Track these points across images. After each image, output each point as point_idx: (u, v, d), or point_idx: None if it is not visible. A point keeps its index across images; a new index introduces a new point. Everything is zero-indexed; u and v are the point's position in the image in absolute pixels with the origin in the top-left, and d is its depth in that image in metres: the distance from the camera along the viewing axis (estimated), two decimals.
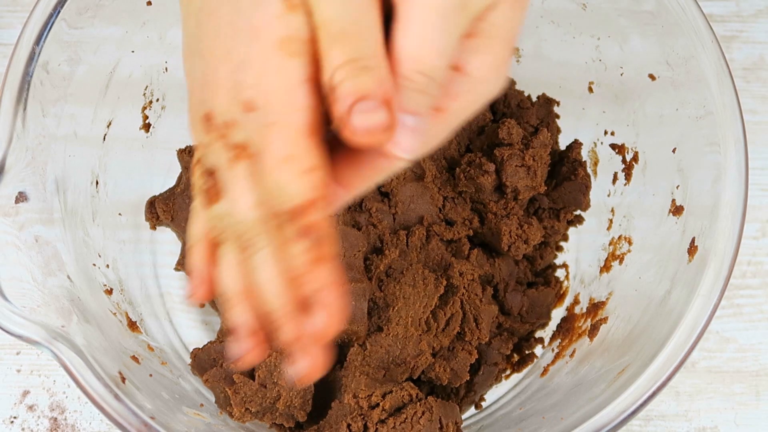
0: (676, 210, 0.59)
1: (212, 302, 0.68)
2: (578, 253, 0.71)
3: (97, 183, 0.62)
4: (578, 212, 0.69)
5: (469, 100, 0.40)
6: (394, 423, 0.56)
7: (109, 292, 0.61)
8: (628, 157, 0.65)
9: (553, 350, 0.67)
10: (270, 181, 0.37)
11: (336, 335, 0.38)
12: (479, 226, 0.65)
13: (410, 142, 0.38)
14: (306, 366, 0.38)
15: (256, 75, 0.37)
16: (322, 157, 0.37)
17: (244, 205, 0.38)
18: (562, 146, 0.69)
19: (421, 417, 0.56)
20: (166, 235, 0.68)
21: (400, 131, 0.37)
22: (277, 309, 0.38)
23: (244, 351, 0.40)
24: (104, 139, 0.63)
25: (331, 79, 0.36)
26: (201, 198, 0.40)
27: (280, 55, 0.36)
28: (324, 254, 0.37)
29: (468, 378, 0.62)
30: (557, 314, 0.69)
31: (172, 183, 0.66)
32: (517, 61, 0.69)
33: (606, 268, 0.66)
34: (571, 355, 0.64)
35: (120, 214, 0.66)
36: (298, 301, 0.38)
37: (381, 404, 0.57)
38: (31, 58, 0.53)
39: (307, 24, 0.37)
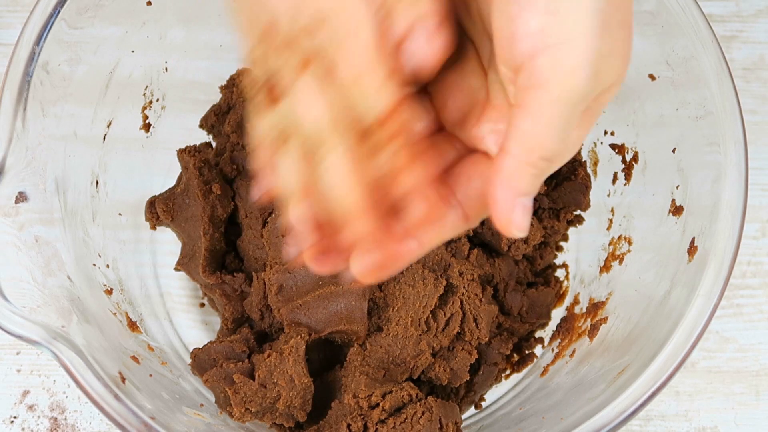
0: (676, 210, 0.59)
1: (212, 302, 0.68)
2: (578, 253, 0.71)
3: (97, 183, 0.62)
4: (578, 212, 0.69)
5: (558, 161, 0.41)
6: (394, 423, 0.56)
7: (109, 292, 0.61)
8: (628, 157, 0.65)
9: (552, 350, 0.67)
10: (352, 90, 0.37)
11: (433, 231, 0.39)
12: (479, 226, 0.65)
13: (524, 220, 0.39)
14: (376, 261, 0.40)
15: None
16: (396, 65, 0.38)
17: (315, 108, 0.38)
18: None
19: (420, 417, 0.56)
20: (166, 235, 0.68)
21: (518, 212, 0.39)
22: (349, 209, 0.39)
23: (305, 246, 0.41)
24: (104, 139, 0.63)
25: None
26: (261, 99, 0.40)
27: None
28: (418, 151, 0.38)
29: (468, 378, 0.62)
30: (557, 314, 0.69)
31: (172, 183, 0.66)
32: None
33: (606, 268, 0.66)
34: (571, 355, 0.64)
35: (120, 214, 0.66)
36: (384, 203, 0.39)
37: (381, 404, 0.57)
38: (31, 58, 0.53)
39: None
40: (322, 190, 0.39)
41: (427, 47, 0.39)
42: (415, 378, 0.62)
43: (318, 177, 0.39)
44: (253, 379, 0.58)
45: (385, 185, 0.38)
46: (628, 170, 0.65)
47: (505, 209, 0.39)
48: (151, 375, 0.58)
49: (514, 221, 0.39)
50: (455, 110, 0.42)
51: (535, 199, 0.68)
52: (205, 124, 0.71)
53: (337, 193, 0.39)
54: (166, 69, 0.66)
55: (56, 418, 0.68)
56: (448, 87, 0.42)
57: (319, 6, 0.37)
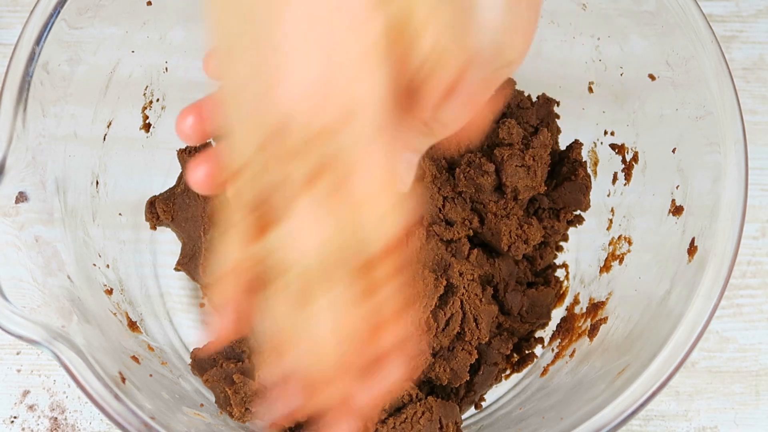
0: (676, 210, 0.59)
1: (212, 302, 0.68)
2: (578, 253, 0.71)
3: (97, 183, 0.62)
4: (578, 212, 0.69)
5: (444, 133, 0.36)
6: (394, 423, 0.56)
7: (109, 292, 0.61)
8: (628, 157, 0.65)
9: (552, 350, 0.67)
10: (364, 210, 0.30)
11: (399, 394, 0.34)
12: (479, 226, 0.65)
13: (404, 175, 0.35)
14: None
15: (350, 80, 0.29)
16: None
17: (320, 235, 0.30)
18: (562, 146, 0.69)
19: (420, 417, 0.56)
20: (166, 235, 0.68)
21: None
22: (334, 365, 0.32)
23: (285, 410, 0.34)
24: (104, 139, 0.63)
25: None
26: (244, 225, 0.32)
27: (376, 57, 0.30)
28: (410, 299, 0.32)
29: (468, 378, 0.62)
30: (557, 314, 0.69)
31: (172, 183, 0.66)
32: None
33: (606, 268, 0.66)
34: (571, 355, 0.64)
35: (120, 214, 0.66)
36: (367, 360, 0.32)
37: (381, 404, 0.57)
38: (31, 58, 0.53)
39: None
40: (304, 340, 0.32)
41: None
42: (415, 378, 0.62)
43: (303, 325, 0.32)
44: (253, 379, 0.58)
45: (369, 337, 0.31)
46: (628, 170, 0.65)
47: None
48: (151, 375, 0.58)
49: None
50: None
51: (535, 199, 0.67)
52: None
53: (322, 347, 0.32)
54: (167, 69, 0.66)
55: (56, 418, 0.68)
56: None
57: (346, 100, 0.29)
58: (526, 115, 0.68)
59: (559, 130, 0.69)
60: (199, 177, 0.36)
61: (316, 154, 0.30)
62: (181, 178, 0.65)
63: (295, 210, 0.30)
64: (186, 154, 0.64)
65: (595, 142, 0.68)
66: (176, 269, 0.67)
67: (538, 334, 0.69)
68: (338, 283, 0.30)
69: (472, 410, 0.67)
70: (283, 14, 0.30)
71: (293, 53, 0.30)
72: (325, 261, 0.30)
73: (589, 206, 0.68)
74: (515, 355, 0.69)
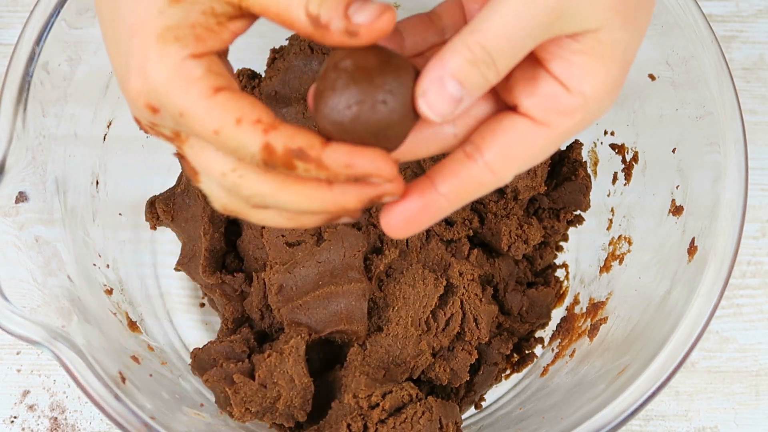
0: (676, 210, 0.59)
1: (212, 302, 0.68)
2: (578, 253, 0.71)
3: (97, 183, 0.62)
4: (578, 212, 0.69)
5: (579, 118, 0.39)
6: (394, 423, 0.56)
7: (109, 292, 0.61)
8: (628, 157, 0.65)
9: (552, 350, 0.67)
10: (225, 148, 0.38)
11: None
12: (479, 226, 0.65)
13: (439, 101, 0.37)
14: (405, 214, 0.39)
15: (142, 76, 0.38)
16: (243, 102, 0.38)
17: (215, 174, 0.39)
18: (563, 146, 0.69)
19: (421, 417, 0.56)
20: (166, 235, 0.68)
21: (435, 89, 0.37)
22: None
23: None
24: (104, 139, 0.63)
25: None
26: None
27: (158, 47, 0.38)
28: (315, 151, 0.37)
29: (468, 378, 0.62)
30: (557, 314, 0.69)
31: (172, 183, 0.66)
32: None
33: (606, 268, 0.66)
34: (571, 355, 0.64)
35: (120, 214, 0.66)
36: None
37: (381, 404, 0.57)
38: (32, 58, 0.53)
39: (193, 8, 0.38)
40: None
41: None
42: (415, 378, 0.62)
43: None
44: (253, 379, 0.58)
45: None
46: (628, 170, 0.65)
47: (425, 80, 0.37)
48: (151, 375, 0.58)
49: (428, 96, 0.37)
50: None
51: (535, 199, 0.67)
52: None
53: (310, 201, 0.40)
54: None
55: (56, 418, 0.68)
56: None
57: (151, 97, 0.38)
58: None
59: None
60: None
61: (164, 131, 0.40)
62: (181, 178, 0.65)
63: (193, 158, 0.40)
64: None
65: (595, 142, 0.68)
66: (176, 269, 0.67)
67: (538, 334, 0.69)
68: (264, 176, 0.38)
69: (472, 410, 0.67)
70: (102, 28, 0.41)
71: (113, 64, 0.41)
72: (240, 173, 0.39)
73: (589, 206, 0.68)
74: (515, 355, 0.69)
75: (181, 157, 0.41)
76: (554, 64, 0.39)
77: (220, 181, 0.39)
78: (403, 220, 0.40)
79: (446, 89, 0.37)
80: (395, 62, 0.38)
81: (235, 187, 0.39)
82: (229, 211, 0.41)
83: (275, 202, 0.39)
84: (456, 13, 0.44)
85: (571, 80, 0.39)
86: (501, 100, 0.41)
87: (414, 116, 0.38)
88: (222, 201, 0.41)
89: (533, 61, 0.40)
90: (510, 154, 0.39)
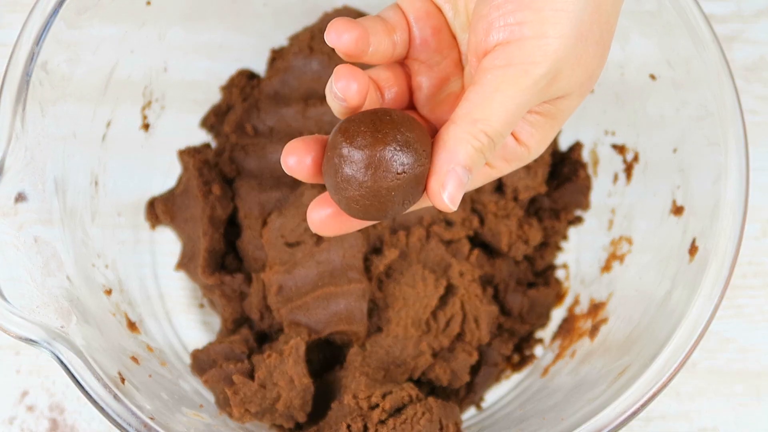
0: (677, 210, 0.59)
1: (212, 303, 0.68)
2: (578, 253, 0.71)
3: (96, 183, 0.62)
4: (578, 212, 0.69)
5: (516, 164, 0.45)
6: (394, 423, 0.56)
7: (109, 292, 0.61)
8: (629, 158, 0.65)
9: (553, 351, 0.67)
10: None
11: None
12: (479, 226, 0.65)
13: (456, 192, 0.40)
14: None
15: None
16: None
17: None
18: (563, 146, 0.69)
19: (421, 417, 0.56)
20: (166, 235, 0.68)
21: (451, 180, 0.40)
22: None
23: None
24: (104, 139, 0.63)
25: None
26: None
27: None
28: None
29: (468, 379, 0.62)
30: (557, 314, 0.69)
31: (172, 183, 0.66)
32: None
33: (606, 268, 0.66)
34: (572, 356, 0.64)
35: (119, 214, 0.66)
36: None
37: (381, 405, 0.57)
38: (31, 58, 0.53)
39: None
40: None
41: None
42: (415, 379, 0.62)
43: None
44: (253, 380, 0.57)
45: None
46: (628, 170, 0.65)
47: (439, 174, 0.40)
48: (150, 375, 0.58)
49: (447, 189, 0.40)
50: (429, 92, 0.45)
51: (536, 199, 0.67)
52: (204, 124, 0.70)
53: None
54: (166, 69, 0.66)
55: (56, 419, 0.68)
56: (425, 70, 0.45)
57: None
58: None
59: (559, 131, 0.69)
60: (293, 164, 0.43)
61: None
62: (181, 178, 0.65)
63: None
64: (186, 155, 0.64)
65: (595, 142, 0.68)
66: (176, 269, 0.66)
67: (538, 334, 0.69)
68: None
69: (472, 411, 0.67)
70: None
71: None
72: None
73: (590, 207, 0.68)
74: (516, 355, 0.69)
75: None
76: None
77: None
78: None
79: (460, 179, 0.40)
80: (404, 134, 0.41)
81: None
82: None
83: None
84: (405, 29, 0.46)
85: (521, 134, 0.44)
86: None
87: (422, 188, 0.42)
88: None
89: None
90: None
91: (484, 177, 0.45)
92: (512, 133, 0.44)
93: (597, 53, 0.42)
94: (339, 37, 0.42)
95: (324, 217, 0.43)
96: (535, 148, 0.44)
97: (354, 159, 0.40)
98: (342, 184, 0.40)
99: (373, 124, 0.40)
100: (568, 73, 0.41)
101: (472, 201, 0.65)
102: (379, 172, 0.40)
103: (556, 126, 0.44)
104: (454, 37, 0.45)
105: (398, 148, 0.40)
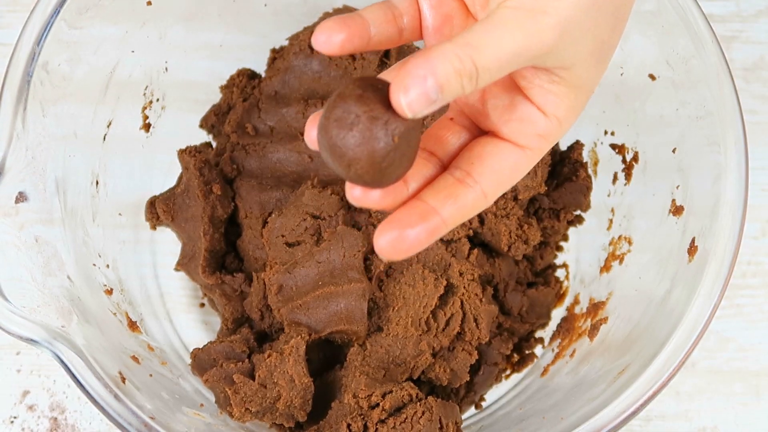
0: (677, 210, 0.59)
1: (212, 302, 0.68)
2: (578, 253, 0.71)
3: (97, 183, 0.62)
4: (578, 212, 0.69)
5: (552, 139, 0.43)
6: (394, 423, 0.56)
7: (109, 292, 0.61)
8: (628, 157, 0.65)
9: (553, 350, 0.67)
10: None
11: None
12: (479, 226, 0.65)
13: (417, 100, 0.37)
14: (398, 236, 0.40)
15: None
16: None
17: None
18: (563, 146, 0.69)
19: (421, 417, 0.56)
20: (166, 235, 0.68)
21: (416, 85, 0.37)
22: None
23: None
24: (104, 139, 0.63)
25: None
26: None
27: None
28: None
29: (468, 378, 0.62)
30: (557, 314, 0.69)
31: (172, 183, 0.66)
32: None
33: (606, 268, 0.66)
34: (571, 355, 0.64)
35: (120, 214, 0.66)
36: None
37: (381, 404, 0.57)
38: (31, 58, 0.53)
39: None
40: None
41: None
42: (415, 378, 0.62)
43: None
44: (253, 379, 0.58)
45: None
46: (628, 170, 0.65)
47: (406, 75, 0.37)
48: (151, 375, 0.58)
49: (409, 94, 0.37)
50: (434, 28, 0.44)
51: (536, 199, 0.67)
52: (205, 124, 0.71)
53: None
54: (166, 69, 0.66)
55: (56, 418, 0.68)
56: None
57: None
58: None
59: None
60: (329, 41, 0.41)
61: None
62: (181, 178, 0.65)
63: None
64: (186, 154, 0.64)
65: (595, 142, 0.68)
66: (176, 269, 0.67)
67: (538, 334, 0.69)
68: None
69: (472, 410, 0.67)
70: None
71: None
72: None
73: (590, 207, 0.68)
74: (515, 355, 0.69)
75: None
76: (533, 92, 0.42)
77: None
78: (408, 244, 0.40)
79: (426, 90, 0.37)
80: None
81: None
82: None
83: None
84: (416, 14, 0.44)
85: (546, 106, 0.42)
86: (475, 126, 0.44)
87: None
88: None
89: (510, 89, 0.43)
90: (501, 179, 0.42)
91: (528, 160, 0.43)
92: (538, 108, 0.42)
93: (610, 24, 0.41)
94: (329, 40, 0.40)
95: (391, 240, 0.41)
96: (565, 117, 0.42)
97: (349, 122, 0.38)
98: (340, 149, 0.38)
99: (362, 89, 0.39)
100: (576, 35, 0.39)
101: None
102: (375, 133, 0.38)
103: (581, 96, 0.42)
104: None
105: (386, 110, 0.38)
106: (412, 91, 0.37)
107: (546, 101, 0.42)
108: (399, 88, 0.37)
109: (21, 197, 0.53)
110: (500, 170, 0.42)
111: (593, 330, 0.63)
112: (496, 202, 0.64)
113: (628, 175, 0.65)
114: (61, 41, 0.54)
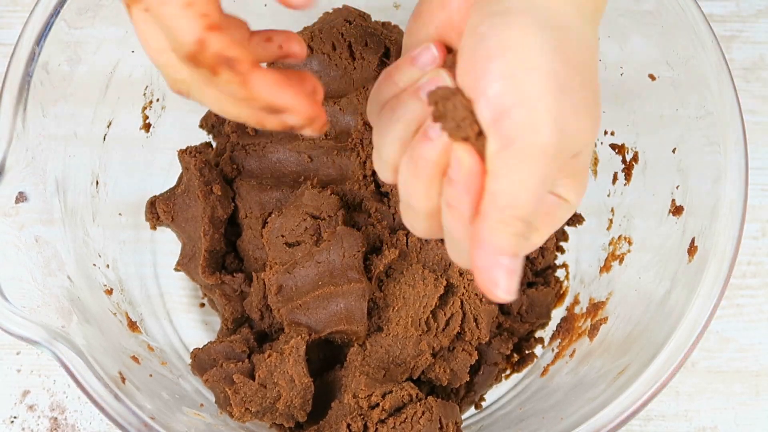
0: (676, 210, 0.59)
1: (212, 302, 0.68)
2: (578, 253, 0.71)
3: (97, 183, 0.62)
4: (578, 212, 0.69)
5: (562, 220, 0.42)
6: (394, 423, 0.57)
7: (109, 292, 0.61)
8: (628, 157, 0.65)
9: (553, 350, 0.67)
10: (162, 21, 0.38)
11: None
12: None
13: (508, 282, 0.38)
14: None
15: None
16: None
17: (152, 49, 0.40)
18: None
19: (421, 417, 0.56)
20: (166, 235, 0.68)
21: (500, 273, 0.38)
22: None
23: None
24: (104, 139, 0.63)
25: None
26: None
27: None
28: (245, 67, 0.38)
29: (468, 378, 0.62)
30: (557, 314, 0.69)
31: (172, 183, 0.66)
32: None
33: (606, 268, 0.66)
34: (571, 355, 0.64)
35: (120, 214, 0.66)
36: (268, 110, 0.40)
37: (381, 404, 0.57)
38: (32, 58, 0.53)
39: None
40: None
41: None
42: (415, 378, 0.62)
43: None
44: (253, 379, 0.58)
45: None
46: (628, 170, 0.65)
47: (486, 270, 0.38)
48: (151, 375, 0.58)
49: (498, 282, 0.38)
50: None
51: None
52: (205, 124, 0.71)
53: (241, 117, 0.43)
54: None
55: (56, 418, 0.68)
56: None
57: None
58: None
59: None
60: None
61: None
62: (181, 178, 0.65)
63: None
64: (186, 155, 0.64)
65: (595, 142, 0.68)
66: (176, 269, 0.67)
67: (538, 334, 0.69)
68: (191, 77, 0.40)
69: (472, 410, 0.67)
70: None
71: None
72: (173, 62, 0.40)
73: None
74: (515, 355, 0.69)
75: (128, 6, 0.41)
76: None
77: (154, 62, 0.41)
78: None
79: (507, 268, 0.38)
80: None
81: (167, 68, 0.40)
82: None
83: (195, 95, 0.41)
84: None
85: (557, 193, 0.42)
86: None
87: None
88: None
89: None
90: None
91: (538, 242, 0.42)
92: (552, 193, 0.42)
93: (587, 96, 0.40)
94: None
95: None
96: (573, 201, 0.42)
97: None
98: None
99: None
100: (573, 127, 0.39)
101: None
102: None
103: (583, 178, 0.42)
104: None
105: None
106: (502, 280, 0.38)
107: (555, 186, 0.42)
108: (490, 286, 0.38)
109: (21, 197, 0.53)
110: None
111: (593, 330, 0.63)
112: None
113: (628, 175, 0.65)
114: (61, 41, 0.54)
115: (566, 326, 0.67)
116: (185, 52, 0.38)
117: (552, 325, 0.69)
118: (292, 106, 0.39)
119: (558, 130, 0.38)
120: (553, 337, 0.68)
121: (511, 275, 0.38)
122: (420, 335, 0.60)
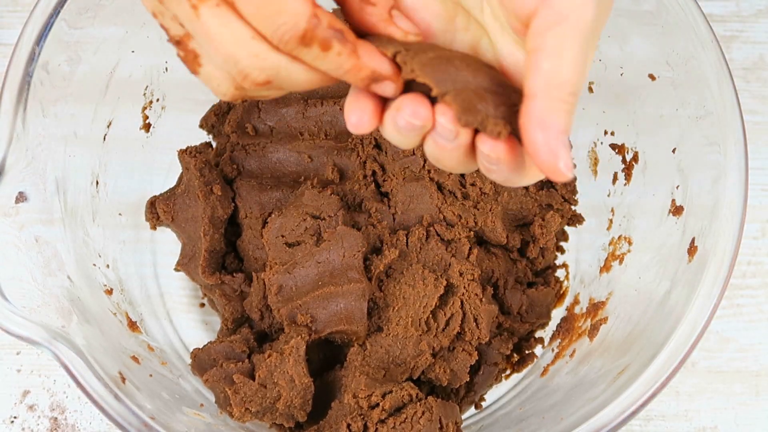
0: (676, 210, 0.59)
1: (212, 302, 0.68)
2: (578, 253, 0.71)
3: (97, 183, 0.62)
4: (578, 211, 0.69)
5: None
6: (394, 423, 0.57)
7: (109, 292, 0.61)
8: (628, 157, 0.65)
9: (553, 350, 0.67)
10: (265, 11, 0.38)
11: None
12: (475, 225, 0.65)
13: (568, 156, 0.39)
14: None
15: None
16: None
17: (228, 43, 0.39)
18: None
19: (421, 417, 0.57)
20: (166, 235, 0.68)
21: (563, 151, 0.39)
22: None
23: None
24: (104, 139, 0.63)
25: None
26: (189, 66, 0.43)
27: None
28: (352, 36, 0.39)
29: (468, 378, 0.62)
30: (557, 314, 0.69)
31: (172, 183, 0.66)
32: None
33: (606, 268, 0.66)
34: (571, 355, 0.64)
35: (120, 214, 0.66)
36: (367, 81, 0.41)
37: (381, 404, 0.57)
38: (32, 58, 0.53)
39: None
40: None
41: None
42: (415, 378, 0.62)
43: None
44: (253, 379, 0.58)
45: None
46: (628, 170, 0.65)
47: (549, 150, 0.39)
48: (151, 375, 0.58)
49: (562, 160, 0.39)
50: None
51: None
52: (205, 124, 0.71)
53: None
54: (167, 69, 0.66)
55: (56, 418, 0.68)
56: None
57: None
58: None
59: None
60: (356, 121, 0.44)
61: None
62: (181, 178, 0.65)
63: (202, 33, 0.40)
64: (187, 155, 0.64)
65: (595, 142, 0.68)
66: (176, 269, 0.67)
67: (538, 334, 0.69)
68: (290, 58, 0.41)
69: (472, 410, 0.67)
70: None
71: None
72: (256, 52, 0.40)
73: (577, 203, 0.68)
74: (515, 355, 0.69)
75: (179, 44, 0.41)
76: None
77: (231, 57, 0.39)
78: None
79: (566, 145, 0.39)
80: None
81: (251, 58, 0.39)
82: (231, 96, 0.43)
83: (283, 80, 0.41)
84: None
85: None
86: None
87: None
88: (223, 86, 0.42)
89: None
90: None
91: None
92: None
93: None
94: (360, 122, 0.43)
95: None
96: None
97: None
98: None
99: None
100: (607, 3, 0.40)
101: (472, 200, 0.65)
102: None
103: (594, 49, 0.43)
104: None
105: None
106: (563, 155, 0.39)
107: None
108: (553, 161, 0.39)
109: (21, 197, 0.53)
110: None
111: (593, 330, 0.63)
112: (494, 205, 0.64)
113: (628, 175, 0.65)
114: (61, 41, 0.54)
115: (566, 326, 0.67)
116: (301, 30, 0.38)
117: (552, 325, 0.69)
118: (389, 72, 0.41)
119: (598, 5, 0.39)
120: (553, 337, 0.68)
121: (568, 150, 0.39)
122: (420, 335, 0.60)
